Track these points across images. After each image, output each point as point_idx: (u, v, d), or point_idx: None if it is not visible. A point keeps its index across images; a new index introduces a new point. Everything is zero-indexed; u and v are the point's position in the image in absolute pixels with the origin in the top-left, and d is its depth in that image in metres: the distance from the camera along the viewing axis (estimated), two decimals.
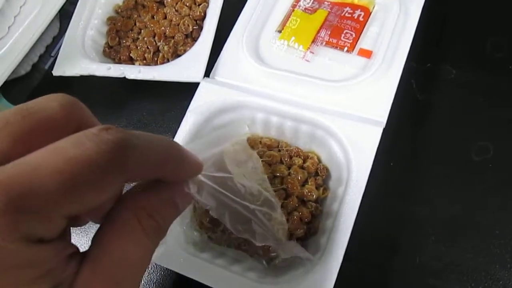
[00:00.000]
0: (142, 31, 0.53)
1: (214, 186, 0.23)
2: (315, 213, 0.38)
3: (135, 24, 0.54)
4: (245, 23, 0.46)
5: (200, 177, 0.23)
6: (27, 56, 0.54)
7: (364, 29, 0.43)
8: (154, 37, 0.52)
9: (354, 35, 0.43)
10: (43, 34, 0.54)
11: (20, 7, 0.55)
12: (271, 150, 0.42)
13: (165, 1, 0.54)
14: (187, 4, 0.52)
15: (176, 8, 0.52)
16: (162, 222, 0.20)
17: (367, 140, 0.38)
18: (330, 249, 0.34)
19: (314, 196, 0.39)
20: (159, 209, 0.20)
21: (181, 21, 0.51)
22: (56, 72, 0.51)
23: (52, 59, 0.57)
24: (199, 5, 0.52)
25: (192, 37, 0.51)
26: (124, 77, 0.47)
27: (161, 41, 0.51)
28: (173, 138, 0.42)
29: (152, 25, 0.52)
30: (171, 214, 0.21)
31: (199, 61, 0.45)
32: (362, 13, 0.43)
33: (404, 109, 0.41)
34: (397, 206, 0.40)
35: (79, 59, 0.51)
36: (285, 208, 0.37)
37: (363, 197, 0.36)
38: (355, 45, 0.42)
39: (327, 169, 0.41)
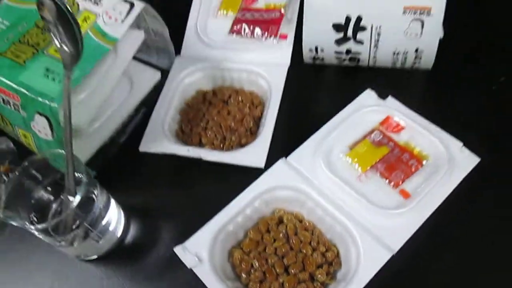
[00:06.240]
0: (210, 121, 0.66)
1: None
2: None
3: (203, 116, 0.66)
4: (329, 132, 0.59)
5: None
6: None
7: (412, 175, 0.55)
8: (220, 127, 0.65)
9: (402, 177, 0.54)
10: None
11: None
12: (306, 231, 0.53)
13: (228, 101, 0.67)
14: (247, 105, 0.66)
15: (238, 107, 0.67)
16: None
17: (374, 259, 0.49)
18: None
19: (323, 279, 0.50)
20: None
21: (244, 118, 0.65)
22: (142, 148, 0.62)
23: (125, 135, 0.66)
24: (256, 106, 0.67)
25: (251, 132, 0.64)
26: (200, 159, 0.58)
27: (227, 132, 0.64)
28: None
29: (218, 118, 0.66)
30: None
31: (262, 150, 0.59)
32: (416, 163, 0.55)
33: (418, 247, 0.51)
34: None
35: (161, 140, 0.62)
36: (296, 276, 0.49)
37: None
38: (399, 184, 0.54)
39: (340, 265, 0.52)
